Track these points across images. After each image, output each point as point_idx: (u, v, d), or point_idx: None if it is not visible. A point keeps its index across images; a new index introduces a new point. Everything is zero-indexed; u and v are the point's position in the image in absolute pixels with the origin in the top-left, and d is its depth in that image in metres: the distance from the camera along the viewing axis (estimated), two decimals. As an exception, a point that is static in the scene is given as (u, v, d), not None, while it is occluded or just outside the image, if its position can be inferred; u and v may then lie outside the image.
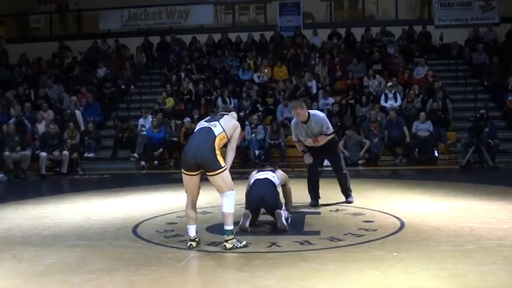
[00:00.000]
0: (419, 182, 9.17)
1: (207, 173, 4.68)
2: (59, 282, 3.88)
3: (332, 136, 6.76)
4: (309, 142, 6.69)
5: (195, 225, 4.79)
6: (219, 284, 3.78)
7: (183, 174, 4.75)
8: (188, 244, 4.75)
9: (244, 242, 4.70)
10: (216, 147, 4.65)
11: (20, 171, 11.56)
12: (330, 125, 6.70)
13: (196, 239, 4.78)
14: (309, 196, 6.93)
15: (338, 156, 7.00)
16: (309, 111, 6.65)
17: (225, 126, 4.77)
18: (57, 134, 12.38)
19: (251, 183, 5.69)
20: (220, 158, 4.65)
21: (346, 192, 7.02)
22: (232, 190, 4.72)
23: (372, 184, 8.84)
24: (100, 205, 7.38)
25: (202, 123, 4.88)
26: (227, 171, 4.71)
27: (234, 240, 4.66)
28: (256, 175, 5.72)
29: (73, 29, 19.89)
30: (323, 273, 3.92)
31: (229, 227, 4.67)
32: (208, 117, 5.01)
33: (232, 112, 5.11)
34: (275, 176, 5.68)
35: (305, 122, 6.58)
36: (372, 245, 4.70)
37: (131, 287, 3.75)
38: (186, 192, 4.83)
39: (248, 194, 5.62)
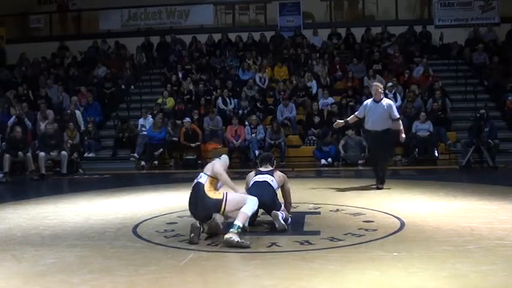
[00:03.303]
0: (419, 182, 9.17)
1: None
2: (59, 282, 3.88)
3: (398, 123, 8.20)
4: (371, 124, 8.18)
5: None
6: (219, 284, 3.78)
7: None
8: (191, 235, 4.82)
9: (246, 242, 4.68)
10: (207, 191, 4.94)
11: (25, 172, 11.55)
12: (397, 112, 8.25)
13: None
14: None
15: (389, 147, 8.49)
16: (385, 97, 8.46)
17: (206, 170, 5.10)
18: (56, 133, 12.37)
19: (250, 184, 5.69)
20: (215, 195, 4.93)
21: (381, 178, 8.22)
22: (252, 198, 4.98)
23: (371, 184, 8.83)
24: (100, 205, 7.38)
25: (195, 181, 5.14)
26: (230, 196, 4.93)
27: (235, 235, 4.66)
28: (255, 177, 5.71)
29: (73, 29, 19.90)
30: (323, 273, 3.92)
31: (238, 222, 4.77)
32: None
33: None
34: (273, 180, 5.68)
35: (377, 102, 8.15)
36: (372, 245, 4.69)
37: (131, 287, 3.75)
38: None
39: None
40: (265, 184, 5.55)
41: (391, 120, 8.20)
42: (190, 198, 5.08)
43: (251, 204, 4.93)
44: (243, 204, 4.91)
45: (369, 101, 8.43)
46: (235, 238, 4.64)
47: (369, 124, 8.32)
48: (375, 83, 8.76)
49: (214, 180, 5.06)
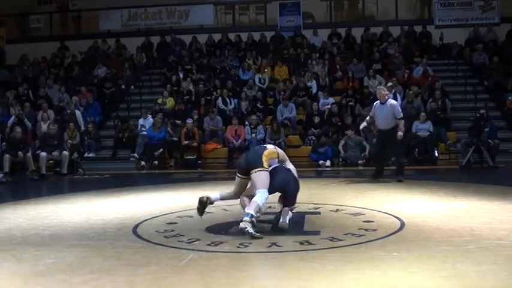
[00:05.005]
0: (419, 182, 9.17)
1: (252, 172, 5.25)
2: (59, 282, 3.88)
3: (401, 122, 8.89)
4: (379, 123, 9.10)
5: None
6: (219, 284, 3.78)
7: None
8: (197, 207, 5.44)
9: (258, 234, 4.86)
10: (264, 155, 5.30)
11: (25, 172, 11.53)
12: (400, 112, 8.99)
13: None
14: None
15: (396, 144, 8.98)
16: (390, 99, 9.31)
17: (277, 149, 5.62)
18: (57, 134, 12.37)
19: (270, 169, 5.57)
20: (264, 163, 5.26)
21: (400, 174, 9.04)
22: (266, 191, 5.15)
23: (372, 184, 8.84)
24: (100, 205, 7.38)
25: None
26: (266, 173, 5.22)
27: (249, 224, 4.87)
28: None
29: (73, 29, 19.91)
30: (323, 273, 3.92)
31: (249, 210, 4.98)
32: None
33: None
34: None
35: (383, 103, 8.99)
36: (371, 245, 4.69)
37: (131, 287, 3.75)
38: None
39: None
40: (286, 168, 5.63)
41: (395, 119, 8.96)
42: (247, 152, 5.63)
43: (262, 196, 5.10)
44: (264, 185, 5.13)
45: (377, 102, 9.27)
46: (250, 229, 4.84)
47: (377, 123, 9.28)
48: (378, 87, 9.88)
49: (274, 155, 5.43)
